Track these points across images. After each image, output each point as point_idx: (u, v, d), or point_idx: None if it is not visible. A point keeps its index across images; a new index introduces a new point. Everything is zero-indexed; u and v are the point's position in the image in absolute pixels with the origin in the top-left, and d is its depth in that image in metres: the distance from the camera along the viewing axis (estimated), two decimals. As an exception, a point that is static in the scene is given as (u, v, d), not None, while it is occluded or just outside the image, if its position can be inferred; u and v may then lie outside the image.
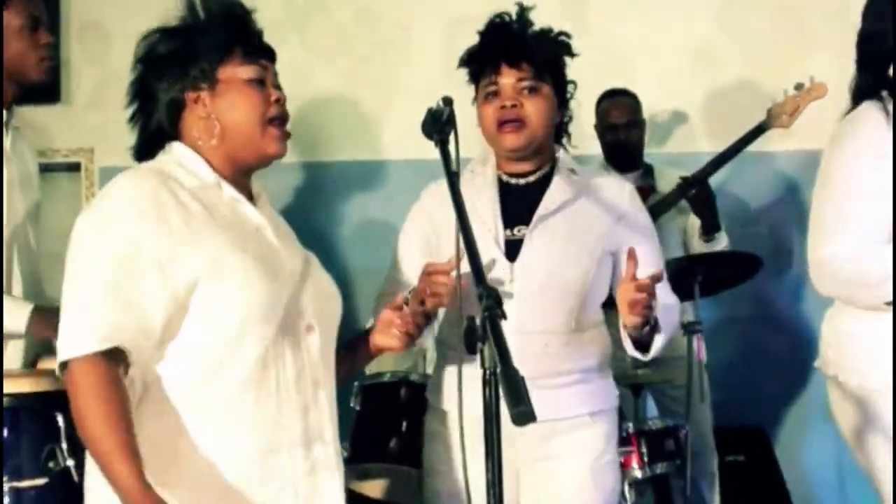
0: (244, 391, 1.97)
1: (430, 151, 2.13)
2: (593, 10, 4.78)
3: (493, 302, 1.80)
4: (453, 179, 2.04)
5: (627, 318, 2.32)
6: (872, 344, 2.44)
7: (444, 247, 2.52)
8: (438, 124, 2.11)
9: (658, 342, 2.45)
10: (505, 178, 2.62)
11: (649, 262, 2.44)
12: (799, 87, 3.89)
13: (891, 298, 2.37)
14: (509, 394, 1.66)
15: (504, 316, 1.79)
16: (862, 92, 2.52)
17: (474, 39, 2.58)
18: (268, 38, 2.18)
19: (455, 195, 2.01)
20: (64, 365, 1.87)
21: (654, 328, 2.42)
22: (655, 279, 2.28)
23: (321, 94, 4.76)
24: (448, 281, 2.30)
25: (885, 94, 2.47)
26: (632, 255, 2.28)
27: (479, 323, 1.79)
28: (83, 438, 1.86)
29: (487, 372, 1.78)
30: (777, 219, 4.63)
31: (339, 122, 4.81)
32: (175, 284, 1.91)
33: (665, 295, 2.48)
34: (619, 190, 2.64)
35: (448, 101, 2.14)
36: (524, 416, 1.62)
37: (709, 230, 3.99)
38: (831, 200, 2.45)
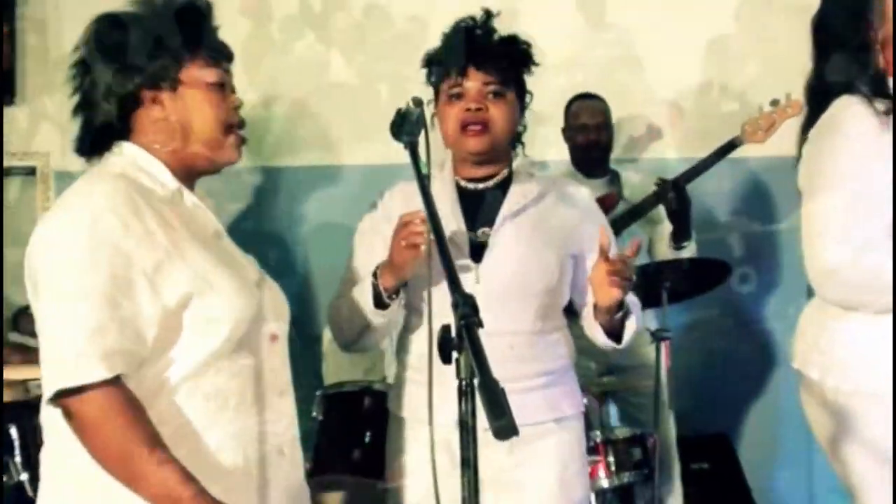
0: (223, 406, 1.92)
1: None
2: (609, 5, 4.77)
3: (469, 309, 1.74)
4: (424, 182, 1.99)
5: (604, 298, 2.32)
6: (860, 346, 2.40)
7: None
8: (408, 125, 2.08)
9: (630, 329, 2.45)
10: (462, 183, 2.60)
11: None
12: (775, 103, 3.87)
13: None
14: (490, 406, 1.60)
15: (481, 324, 1.74)
16: (828, 85, 2.47)
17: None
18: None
19: (427, 198, 1.96)
20: (62, 392, 1.78)
21: (626, 315, 2.42)
22: (630, 255, 2.29)
23: (337, 90, 4.70)
24: (424, 230, 2.26)
25: (863, 87, 2.41)
26: (604, 238, 2.28)
27: (454, 331, 1.73)
28: (115, 466, 1.79)
29: (464, 383, 1.72)
30: (743, 224, 4.62)
31: (352, 117, 4.71)
32: (165, 300, 1.85)
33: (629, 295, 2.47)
34: (579, 193, 2.66)
35: (418, 102, 2.11)
36: (506, 430, 1.57)
37: (680, 238, 3.94)
38: (829, 205, 2.38)
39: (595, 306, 2.41)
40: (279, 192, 4.76)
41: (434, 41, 2.63)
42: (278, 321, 2.06)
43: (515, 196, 2.56)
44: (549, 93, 4.10)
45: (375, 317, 2.44)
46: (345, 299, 2.51)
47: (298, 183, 4.72)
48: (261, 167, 4.73)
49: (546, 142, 4.20)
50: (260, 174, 4.76)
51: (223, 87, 2.03)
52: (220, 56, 2.04)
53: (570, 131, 4.23)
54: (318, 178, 4.75)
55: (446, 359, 1.72)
